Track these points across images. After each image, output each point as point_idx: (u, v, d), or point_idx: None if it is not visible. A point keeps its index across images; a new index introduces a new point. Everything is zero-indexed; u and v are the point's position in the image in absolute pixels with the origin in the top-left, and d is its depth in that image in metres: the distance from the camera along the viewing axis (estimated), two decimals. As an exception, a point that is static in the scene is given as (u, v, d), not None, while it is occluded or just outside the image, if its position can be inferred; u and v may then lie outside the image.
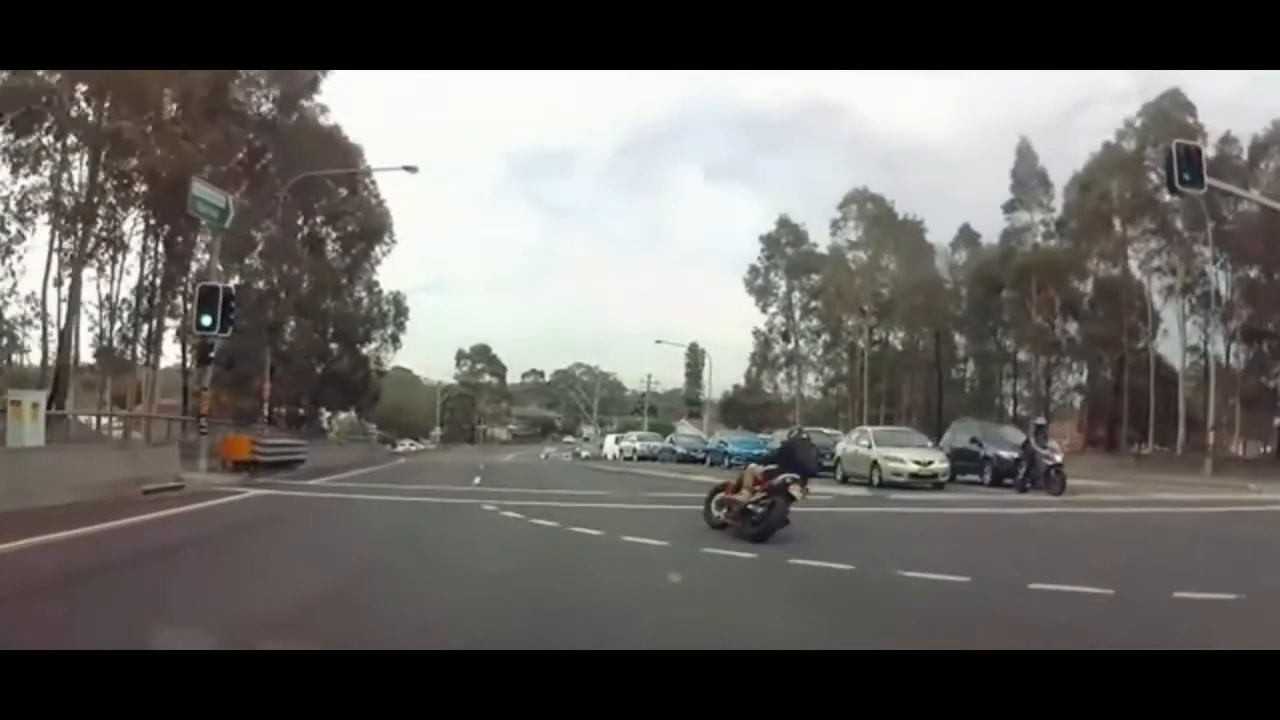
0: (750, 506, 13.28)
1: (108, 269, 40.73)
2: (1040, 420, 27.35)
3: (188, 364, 48.78)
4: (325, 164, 46.62)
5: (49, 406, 32.60)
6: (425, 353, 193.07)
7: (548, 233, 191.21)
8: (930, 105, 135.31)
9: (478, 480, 27.56)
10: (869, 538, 14.85)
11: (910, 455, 26.88)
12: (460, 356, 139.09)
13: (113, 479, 17.58)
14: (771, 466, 13.77)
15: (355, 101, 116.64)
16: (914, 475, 26.18)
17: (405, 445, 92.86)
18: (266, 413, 38.49)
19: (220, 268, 46.57)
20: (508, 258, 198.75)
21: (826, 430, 40.22)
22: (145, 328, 42.82)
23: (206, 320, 24.72)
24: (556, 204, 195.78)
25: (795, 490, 13.16)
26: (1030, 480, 25.51)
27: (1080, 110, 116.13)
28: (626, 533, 12.99)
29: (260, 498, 19.23)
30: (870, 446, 27.92)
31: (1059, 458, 25.61)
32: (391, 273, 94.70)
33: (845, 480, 28.43)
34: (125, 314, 41.98)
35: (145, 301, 42.45)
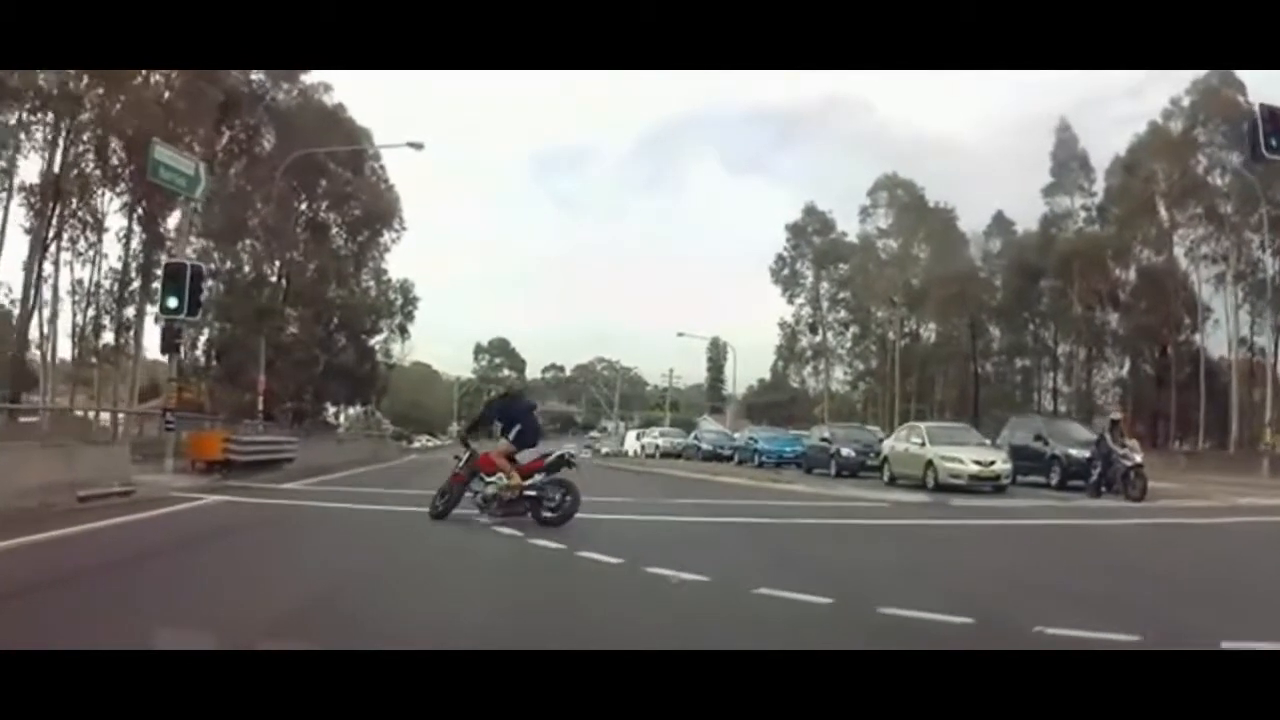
0: (532, 493, 13.09)
1: (85, 251, 38.13)
2: (1116, 414, 24.15)
3: (182, 355, 46.40)
4: (328, 145, 44.15)
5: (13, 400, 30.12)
6: (446, 348, 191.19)
7: (568, 227, 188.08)
8: (951, 98, 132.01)
9: (482, 482, 24.44)
10: (971, 563, 11.79)
11: (969, 454, 23.83)
12: (478, 350, 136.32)
13: (42, 483, 14.86)
14: (516, 428, 13.53)
15: (371, 95, 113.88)
16: (974, 477, 23.16)
17: (422, 441, 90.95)
18: (260, 407, 35.55)
19: (212, 251, 44.48)
20: (528, 252, 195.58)
21: (870, 427, 37.56)
22: (122, 315, 40.05)
23: (173, 302, 21.90)
24: (576, 198, 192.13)
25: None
26: (1105, 483, 22.51)
27: (1099, 103, 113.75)
28: (653, 560, 9.84)
29: (216, 506, 16.34)
30: (924, 445, 24.80)
31: (1139, 458, 22.53)
32: (410, 268, 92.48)
33: (893, 482, 25.50)
34: (101, 298, 39.35)
35: (118, 286, 39.70)
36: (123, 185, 37.88)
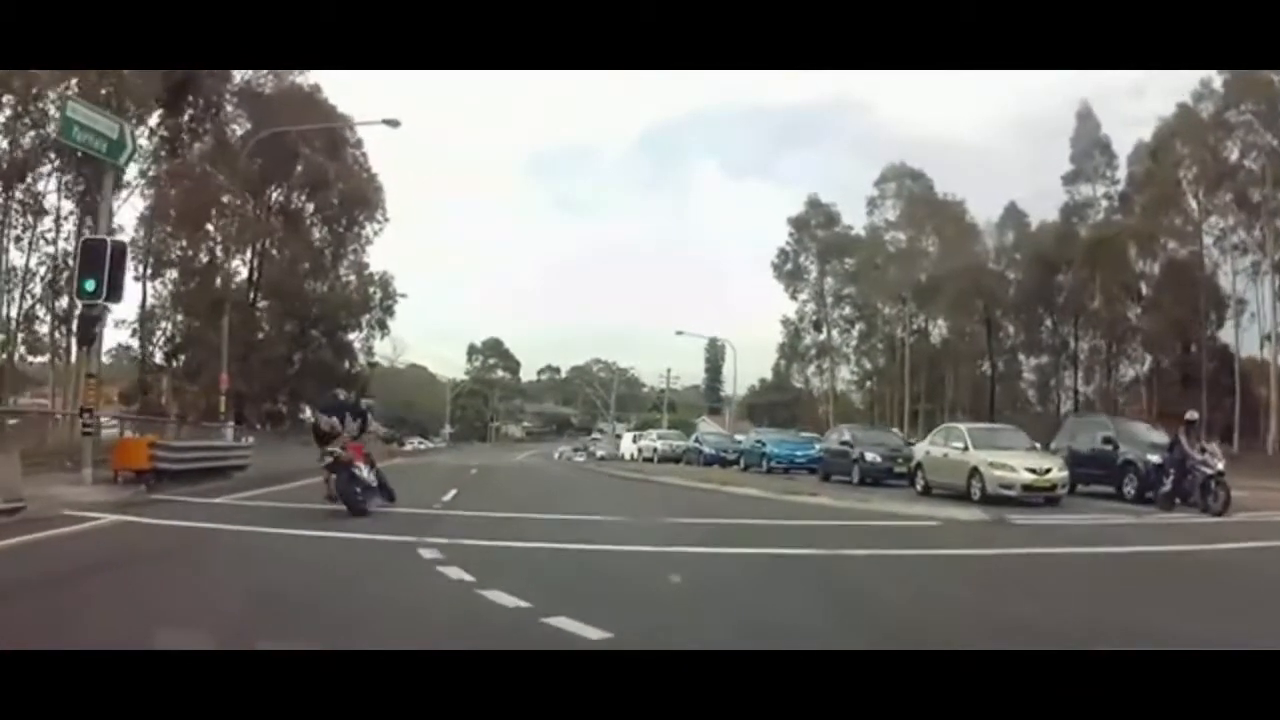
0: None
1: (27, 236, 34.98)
2: (1192, 414, 20.81)
3: (146, 351, 43.32)
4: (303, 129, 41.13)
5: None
6: (444, 348, 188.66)
7: (566, 227, 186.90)
8: (952, 98, 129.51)
9: (451, 494, 20.53)
10: (1130, 620, 8.03)
11: (1021, 461, 20.58)
12: (472, 351, 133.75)
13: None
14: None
15: (366, 94, 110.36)
16: (1027, 487, 20.07)
17: (414, 444, 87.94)
18: (224, 408, 32.27)
19: (171, 238, 41.26)
20: (527, 252, 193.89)
21: (894, 429, 34.50)
22: (58, 305, 36.74)
23: (90, 285, 18.62)
24: (574, 198, 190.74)
25: (336, 446, 14.66)
26: (1180, 494, 19.28)
27: (1099, 101, 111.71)
28: (661, 631, 6.52)
29: (109, 530, 12.98)
30: (966, 449, 21.43)
31: (1220, 465, 19.36)
32: (409, 269, 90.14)
33: (927, 492, 22.32)
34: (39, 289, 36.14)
35: (56, 273, 36.41)
36: (63, 162, 34.61)
